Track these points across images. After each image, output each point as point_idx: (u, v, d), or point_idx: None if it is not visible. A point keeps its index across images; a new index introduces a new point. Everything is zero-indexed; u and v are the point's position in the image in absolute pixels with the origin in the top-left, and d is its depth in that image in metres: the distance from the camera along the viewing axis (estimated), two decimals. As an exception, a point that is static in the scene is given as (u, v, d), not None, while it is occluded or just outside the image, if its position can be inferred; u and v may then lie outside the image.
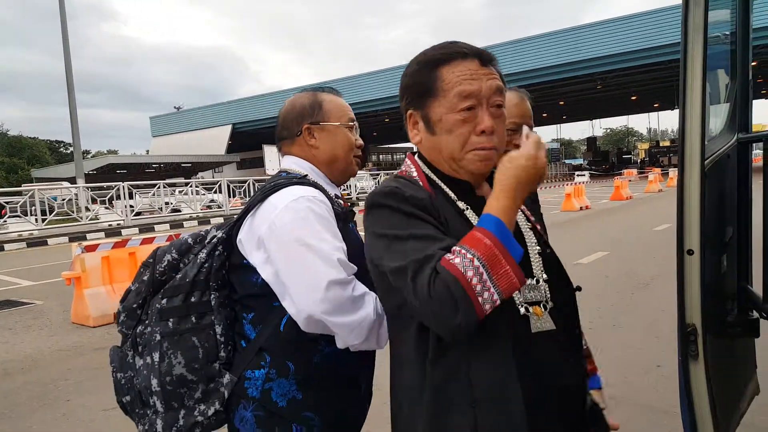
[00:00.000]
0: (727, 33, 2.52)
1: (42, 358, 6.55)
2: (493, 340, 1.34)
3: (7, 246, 18.90)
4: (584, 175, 51.38)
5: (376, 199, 1.44)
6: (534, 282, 1.45)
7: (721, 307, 2.31)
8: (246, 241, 1.87)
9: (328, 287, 1.67)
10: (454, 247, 1.27)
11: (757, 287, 2.40)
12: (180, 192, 31.28)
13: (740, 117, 2.56)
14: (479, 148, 1.45)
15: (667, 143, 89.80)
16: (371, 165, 63.73)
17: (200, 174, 60.70)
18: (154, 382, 1.82)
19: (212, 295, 1.89)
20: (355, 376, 1.93)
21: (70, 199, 25.39)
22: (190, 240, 1.96)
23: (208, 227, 2.02)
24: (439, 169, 1.54)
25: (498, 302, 1.24)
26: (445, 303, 1.21)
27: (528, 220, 1.60)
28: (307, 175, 1.98)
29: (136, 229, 21.96)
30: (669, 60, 33.60)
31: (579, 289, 1.63)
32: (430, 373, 1.37)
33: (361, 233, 1.62)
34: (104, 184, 26.67)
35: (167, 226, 23.23)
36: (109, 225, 23.46)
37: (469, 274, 1.21)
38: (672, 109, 70.96)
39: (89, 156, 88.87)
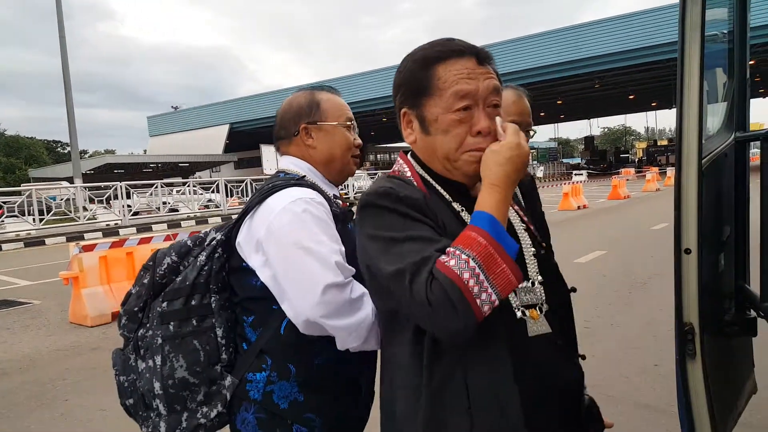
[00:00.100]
0: (725, 31, 2.52)
1: (40, 357, 6.54)
2: (490, 344, 1.32)
3: (4, 246, 18.87)
4: (582, 174, 51.39)
5: (370, 200, 1.40)
6: (529, 284, 1.44)
7: (718, 306, 2.31)
8: (244, 243, 1.86)
9: (324, 291, 1.66)
10: (448, 248, 1.25)
11: (754, 286, 2.40)
12: (177, 192, 31.22)
13: (738, 116, 2.56)
14: (475, 150, 1.41)
15: (665, 142, 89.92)
16: (368, 165, 63.67)
17: (198, 174, 60.63)
18: (157, 385, 1.83)
19: (213, 298, 1.88)
20: (356, 377, 1.92)
21: (68, 199, 25.33)
22: (189, 242, 1.95)
23: (207, 228, 2.02)
24: (434, 169, 1.51)
25: (496, 303, 1.22)
26: (443, 308, 1.19)
27: (522, 220, 1.58)
28: (305, 176, 1.97)
29: (134, 229, 21.94)
30: (666, 59, 33.65)
31: (574, 290, 1.63)
32: (426, 377, 1.34)
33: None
34: (102, 184, 26.67)
35: (165, 225, 23.21)
36: (107, 225, 23.45)
37: (465, 276, 1.19)
38: (670, 108, 71.09)
39: (86, 156, 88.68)
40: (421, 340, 1.35)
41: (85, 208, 24.23)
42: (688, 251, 1.85)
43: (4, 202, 22.85)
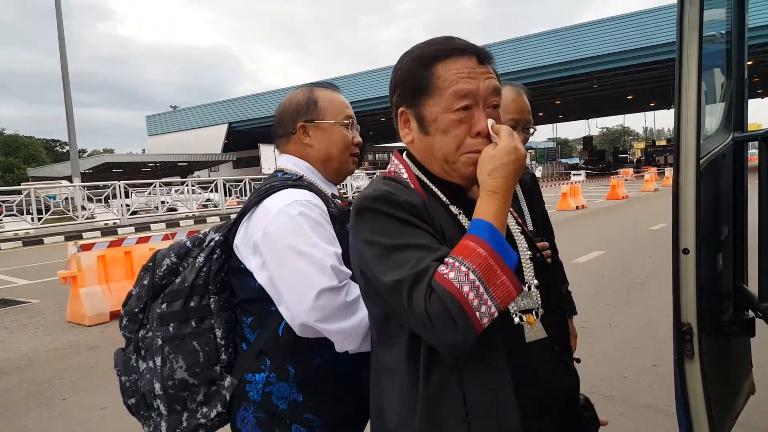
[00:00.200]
0: (723, 32, 2.52)
1: (38, 357, 6.53)
2: (488, 351, 1.30)
3: (3, 245, 18.85)
4: (580, 174, 51.46)
5: (367, 204, 1.35)
6: (526, 289, 1.42)
7: (716, 307, 2.32)
8: (242, 245, 1.86)
9: (318, 295, 1.66)
10: (447, 259, 1.22)
11: (752, 286, 2.40)
12: (176, 191, 31.20)
13: (736, 116, 2.56)
14: (473, 151, 1.38)
15: (663, 142, 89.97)
16: (367, 164, 63.65)
17: (196, 173, 60.57)
18: (157, 386, 1.83)
19: (212, 299, 1.88)
20: (355, 378, 1.91)
21: (67, 198, 25.32)
22: (188, 243, 1.95)
23: (206, 227, 2.01)
24: (431, 170, 1.47)
25: (496, 315, 1.20)
26: (442, 321, 1.16)
27: (517, 222, 1.56)
28: (303, 175, 1.96)
29: (132, 228, 21.91)
30: (665, 59, 33.64)
31: (569, 293, 1.62)
32: (422, 384, 1.31)
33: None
34: (100, 183, 26.66)
35: (163, 225, 23.19)
36: (105, 224, 23.43)
37: (465, 289, 1.17)
38: (668, 109, 71.13)
39: (85, 155, 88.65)
40: (416, 346, 1.32)
41: (83, 208, 24.21)
42: (686, 251, 1.85)
43: (3, 201, 22.81)
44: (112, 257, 8.38)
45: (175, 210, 28.27)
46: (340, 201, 1.99)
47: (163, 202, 27.83)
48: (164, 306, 1.86)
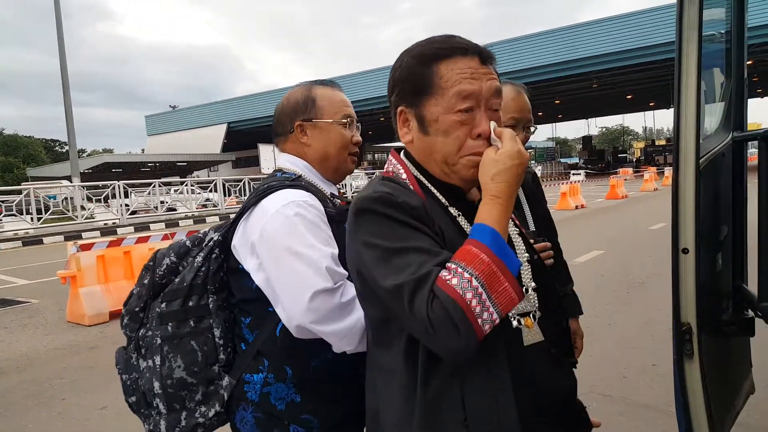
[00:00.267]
0: (722, 31, 2.52)
1: (37, 356, 6.53)
2: (488, 356, 1.28)
3: (2, 245, 18.84)
4: (580, 173, 51.47)
5: (366, 205, 1.32)
6: (523, 291, 1.40)
7: (716, 306, 2.31)
8: (240, 246, 1.86)
9: (312, 297, 1.65)
10: (450, 264, 1.21)
11: (752, 286, 2.40)
12: (175, 191, 31.21)
13: (735, 115, 2.56)
14: (474, 154, 1.36)
15: (663, 142, 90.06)
16: (366, 164, 63.57)
17: (196, 173, 60.57)
18: (156, 384, 1.84)
19: (210, 299, 1.89)
20: (353, 378, 1.90)
21: (66, 198, 25.31)
22: (188, 243, 1.95)
23: (205, 227, 2.01)
24: (430, 171, 1.45)
25: (497, 321, 1.19)
26: (444, 327, 1.15)
27: (515, 224, 1.55)
28: (301, 175, 1.95)
29: (132, 228, 21.91)
30: (664, 59, 33.65)
31: (565, 294, 1.61)
32: (421, 388, 1.30)
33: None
34: (99, 183, 26.65)
35: (162, 225, 23.18)
36: (105, 224, 23.44)
37: (468, 296, 1.15)
38: (667, 108, 71.21)
39: (85, 155, 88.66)
40: (415, 349, 1.31)
41: (83, 207, 24.21)
42: (685, 251, 1.85)
43: (3, 201, 22.79)
44: (111, 257, 8.38)
45: (175, 210, 28.27)
46: (339, 201, 1.98)
47: (162, 202, 27.81)
48: (163, 305, 1.87)
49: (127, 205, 24.61)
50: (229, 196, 30.51)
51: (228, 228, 1.91)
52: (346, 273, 1.72)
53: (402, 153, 1.52)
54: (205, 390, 1.85)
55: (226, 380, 1.85)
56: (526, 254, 1.48)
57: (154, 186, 27.33)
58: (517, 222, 1.58)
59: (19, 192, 22.64)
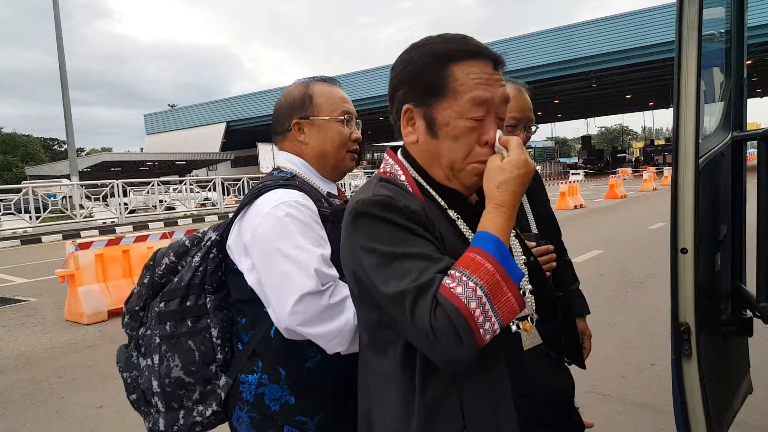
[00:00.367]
0: (722, 31, 2.52)
1: (36, 355, 6.52)
2: (487, 363, 1.26)
3: (1, 243, 18.81)
4: (579, 173, 51.40)
5: (365, 208, 1.29)
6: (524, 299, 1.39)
7: (714, 306, 2.31)
8: (234, 246, 1.85)
9: (299, 300, 1.64)
10: (452, 271, 1.19)
11: (750, 286, 2.40)
12: (174, 190, 31.23)
13: (735, 115, 2.56)
14: (480, 162, 1.34)
15: (662, 142, 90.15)
16: (365, 163, 63.52)
17: (194, 172, 60.49)
18: (155, 383, 1.85)
19: (208, 299, 1.88)
20: (349, 380, 1.88)
21: (64, 197, 25.30)
22: (187, 242, 1.95)
23: (204, 226, 2.01)
24: (431, 174, 1.41)
25: (498, 332, 1.18)
26: (446, 336, 1.13)
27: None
28: (296, 174, 1.93)
29: (130, 227, 21.88)
30: (664, 58, 33.64)
31: (561, 294, 1.60)
32: (419, 393, 1.28)
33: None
34: (98, 182, 26.63)
35: (161, 224, 23.15)
36: (103, 223, 23.41)
37: (473, 305, 1.14)
38: (667, 108, 71.18)
39: (83, 154, 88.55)
40: (412, 354, 1.29)
41: (81, 206, 24.19)
42: (684, 251, 1.85)
43: (1, 200, 22.78)
44: (110, 256, 8.37)
45: (174, 209, 28.25)
46: (339, 200, 1.97)
47: (161, 201, 27.79)
48: (162, 305, 1.88)
49: (125, 203, 24.60)
50: (228, 195, 30.52)
51: (225, 227, 1.91)
52: (337, 274, 1.71)
53: (399, 152, 1.48)
54: (202, 389, 1.86)
55: (223, 380, 1.86)
56: (523, 257, 1.47)
57: (152, 185, 27.29)
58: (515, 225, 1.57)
59: (18, 190, 22.62)
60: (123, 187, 24.25)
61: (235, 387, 1.85)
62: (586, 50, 37.02)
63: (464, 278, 1.16)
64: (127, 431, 4.36)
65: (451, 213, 1.40)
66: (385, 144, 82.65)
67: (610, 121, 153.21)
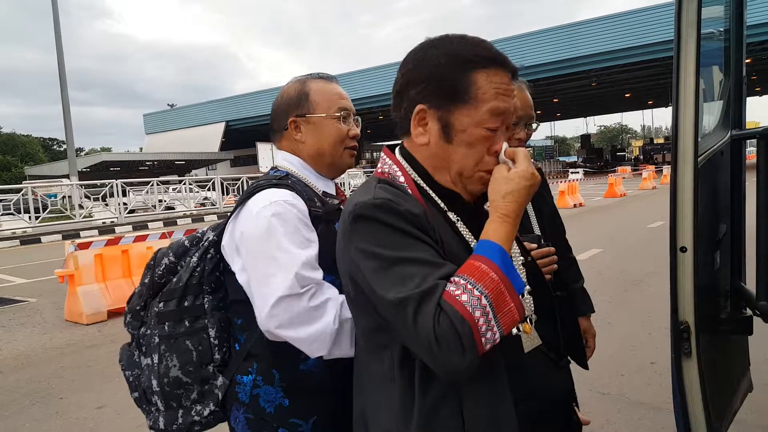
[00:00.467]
0: (721, 30, 2.52)
1: (35, 355, 6.53)
2: (487, 368, 1.25)
3: (0, 243, 18.81)
4: (578, 172, 51.41)
5: (365, 212, 1.26)
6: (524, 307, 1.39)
7: (714, 305, 2.31)
8: (227, 246, 1.85)
9: (276, 303, 1.63)
10: (456, 278, 1.17)
11: (750, 285, 2.40)
12: (173, 189, 31.19)
13: (734, 114, 2.56)
14: (487, 171, 1.34)
15: (661, 140, 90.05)
16: (365, 162, 63.46)
17: (194, 171, 60.52)
18: (154, 382, 1.87)
19: (206, 299, 1.89)
20: (343, 383, 1.85)
21: (64, 197, 25.30)
22: (187, 242, 1.95)
23: (203, 226, 2.01)
24: (435, 176, 1.39)
25: (498, 341, 1.17)
26: (449, 344, 1.12)
27: None
28: (289, 173, 1.92)
29: (130, 227, 21.88)
30: (663, 57, 33.65)
31: (560, 294, 1.59)
32: (418, 398, 1.26)
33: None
34: (98, 182, 26.62)
35: (161, 223, 23.16)
36: (103, 222, 23.42)
37: (477, 314, 1.13)
38: (666, 107, 71.16)
39: (83, 153, 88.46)
40: (410, 357, 1.27)
41: (81, 206, 24.19)
42: (683, 249, 1.85)
43: (1, 200, 22.76)
44: (109, 256, 8.37)
45: (173, 208, 28.25)
46: (337, 199, 1.96)
47: (160, 201, 27.79)
48: (161, 305, 1.88)
49: (125, 203, 24.60)
50: (228, 194, 30.50)
51: (222, 228, 1.91)
52: (320, 277, 1.70)
53: (397, 151, 1.46)
54: (200, 389, 1.87)
55: (220, 380, 1.86)
56: (521, 257, 1.46)
57: (152, 184, 27.30)
58: None
59: (17, 191, 22.62)
60: (122, 186, 24.25)
61: (231, 387, 1.85)
62: (585, 49, 37.03)
63: (469, 286, 1.16)
64: (126, 431, 4.36)
65: (451, 215, 1.39)
66: (384, 143, 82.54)
67: (610, 119, 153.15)
